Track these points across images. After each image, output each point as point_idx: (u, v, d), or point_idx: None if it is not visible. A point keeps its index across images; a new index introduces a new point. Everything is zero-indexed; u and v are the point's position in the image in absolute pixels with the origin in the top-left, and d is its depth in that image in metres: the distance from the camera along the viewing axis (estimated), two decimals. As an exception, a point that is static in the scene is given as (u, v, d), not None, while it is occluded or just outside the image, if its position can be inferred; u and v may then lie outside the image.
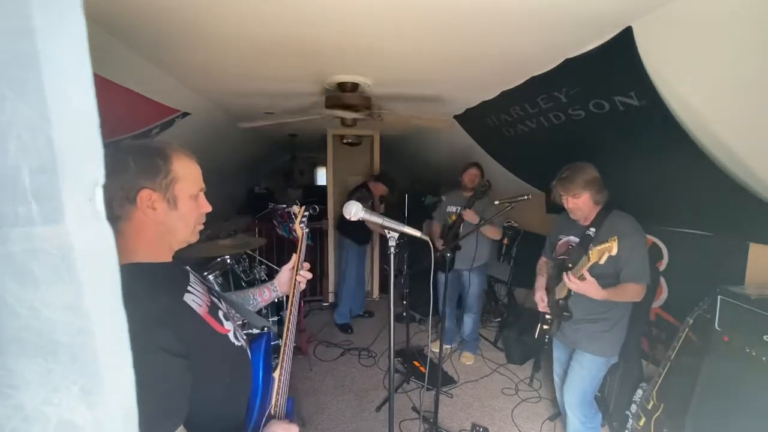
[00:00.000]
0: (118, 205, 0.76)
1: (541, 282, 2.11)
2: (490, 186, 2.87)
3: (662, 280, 2.40)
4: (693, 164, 1.74)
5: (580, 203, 1.84)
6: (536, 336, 2.10)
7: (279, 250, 4.08)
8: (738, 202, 1.76)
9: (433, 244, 1.39)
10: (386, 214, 1.35)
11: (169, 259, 0.87)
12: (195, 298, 0.85)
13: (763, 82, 1.23)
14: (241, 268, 2.83)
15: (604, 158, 1.88)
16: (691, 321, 1.92)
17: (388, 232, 1.31)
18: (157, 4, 1.30)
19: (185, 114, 2.62)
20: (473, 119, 2.99)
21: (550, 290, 2.03)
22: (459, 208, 3.04)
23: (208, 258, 2.74)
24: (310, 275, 1.28)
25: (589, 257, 1.62)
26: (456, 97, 2.61)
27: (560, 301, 1.92)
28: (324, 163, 4.19)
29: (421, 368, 3.10)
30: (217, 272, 2.60)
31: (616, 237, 1.55)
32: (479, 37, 1.56)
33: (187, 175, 0.83)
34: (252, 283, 2.81)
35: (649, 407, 2.03)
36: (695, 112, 1.52)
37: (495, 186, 3.36)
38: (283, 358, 1.08)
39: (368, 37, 1.60)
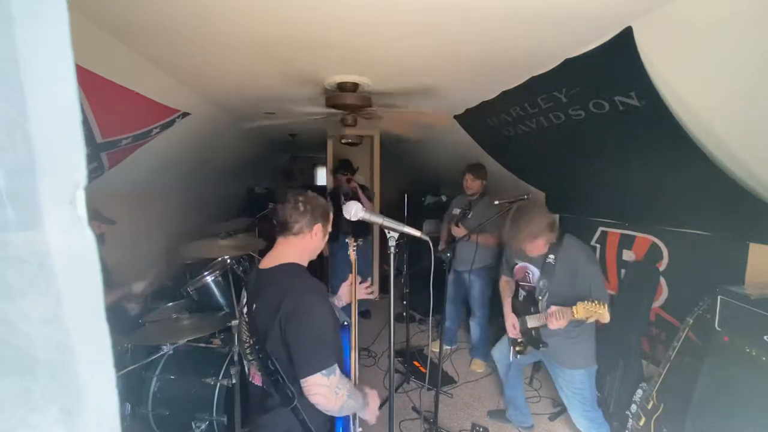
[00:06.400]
0: (299, 229, 1.28)
1: (508, 307, 2.15)
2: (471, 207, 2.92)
3: (662, 280, 2.40)
4: (693, 164, 1.74)
5: (538, 248, 1.91)
6: (511, 359, 2.18)
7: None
8: (738, 202, 1.75)
9: (433, 244, 1.41)
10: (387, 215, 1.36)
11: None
12: None
13: (763, 82, 1.23)
14: (241, 269, 2.82)
15: (605, 158, 1.88)
16: (691, 321, 1.91)
17: (389, 232, 1.31)
18: (158, 4, 1.30)
19: (185, 114, 2.62)
20: (473, 119, 2.99)
21: (519, 315, 2.08)
22: (461, 209, 3.07)
23: (208, 258, 2.73)
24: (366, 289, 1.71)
25: (573, 312, 1.73)
26: (456, 97, 2.61)
27: (533, 332, 1.98)
28: (324, 163, 4.20)
29: (421, 368, 3.10)
30: (217, 272, 2.59)
31: (605, 305, 1.67)
32: (479, 37, 1.57)
33: (330, 221, 1.38)
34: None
35: (649, 407, 2.03)
36: (695, 112, 1.52)
37: (495, 186, 3.36)
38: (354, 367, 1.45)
39: (368, 37, 1.60)
